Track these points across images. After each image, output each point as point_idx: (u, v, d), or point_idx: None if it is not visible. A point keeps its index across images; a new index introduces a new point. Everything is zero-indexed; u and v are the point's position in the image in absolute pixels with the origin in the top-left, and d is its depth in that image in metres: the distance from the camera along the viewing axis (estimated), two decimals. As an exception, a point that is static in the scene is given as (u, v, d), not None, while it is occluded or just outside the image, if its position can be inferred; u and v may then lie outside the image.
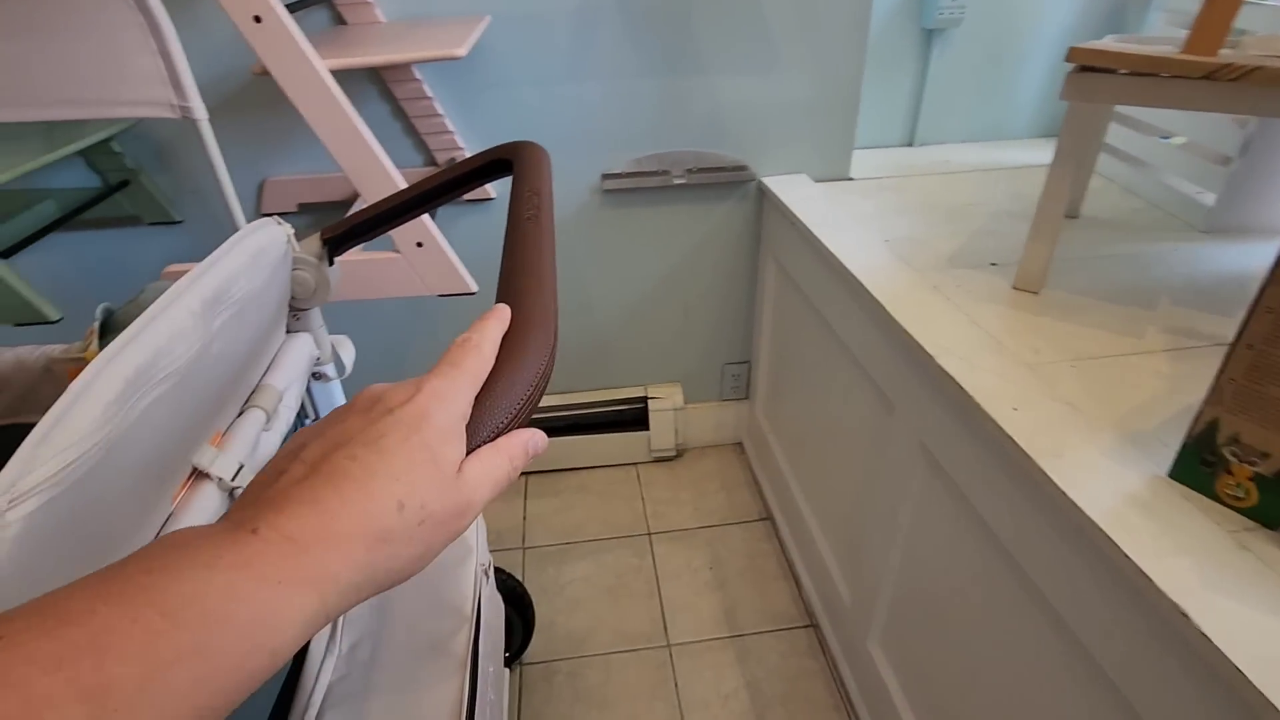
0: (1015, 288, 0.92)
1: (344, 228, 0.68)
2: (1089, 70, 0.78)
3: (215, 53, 1.09)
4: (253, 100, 1.15)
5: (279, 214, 1.30)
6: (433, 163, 1.26)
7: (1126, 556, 0.50)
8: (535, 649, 1.20)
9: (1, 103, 0.57)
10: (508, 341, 0.32)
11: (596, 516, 1.47)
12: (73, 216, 1.10)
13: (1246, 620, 0.46)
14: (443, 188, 0.65)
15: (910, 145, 1.57)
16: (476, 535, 0.84)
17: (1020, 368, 0.74)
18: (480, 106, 1.22)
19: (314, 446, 0.25)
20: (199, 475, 0.51)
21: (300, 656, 0.71)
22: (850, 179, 1.37)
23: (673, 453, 1.61)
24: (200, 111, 0.62)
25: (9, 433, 0.75)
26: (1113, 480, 0.58)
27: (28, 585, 0.33)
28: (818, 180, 1.34)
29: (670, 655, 1.19)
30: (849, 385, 1.04)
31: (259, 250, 0.57)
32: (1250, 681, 0.42)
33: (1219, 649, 0.44)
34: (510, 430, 0.30)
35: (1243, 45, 0.79)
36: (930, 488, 0.83)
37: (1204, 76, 0.70)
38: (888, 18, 1.38)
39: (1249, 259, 0.97)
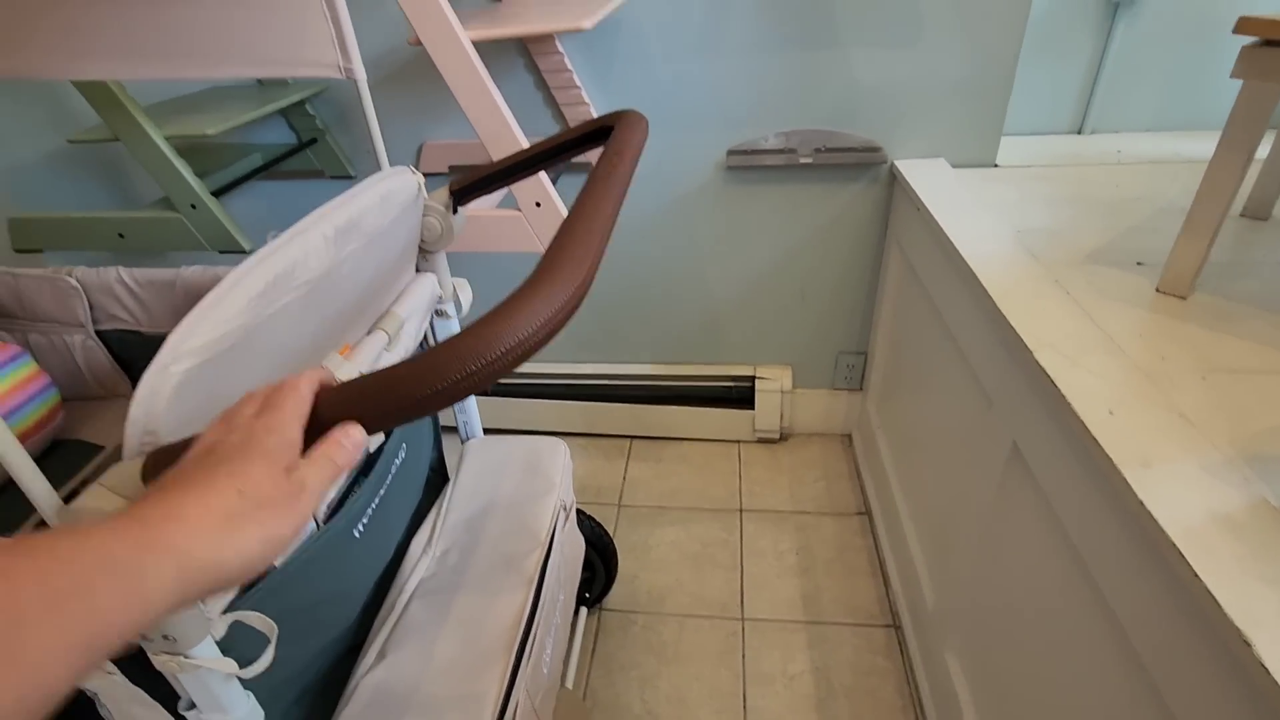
0: (1158, 290, 0.83)
1: (468, 180, 0.76)
2: (1272, 44, 0.69)
3: (389, 26, 1.24)
4: (416, 71, 1.29)
5: (433, 174, 1.45)
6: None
7: (1196, 575, 0.46)
8: (616, 598, 1.27)
9: (207, 61, 0.70)
10: (528, 288, 0.35)
11: (692, 486, 1.51)
12: (271, 166, 1.30)
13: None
14: (554, 150, 0.72)
15: (1079, 133, 1.43)
16: (562, 473, 0.91)
17: (1134, 372, 0.67)
18: (615, 79, 1.28)
19: (190, 452, 0.34)
20: (325, 377, 0.61)
21: (400, 552, 0.82)
22: (995, 166, 1.28)
23: (776, 435, 1.61)
24: (360, 74, 0.73)
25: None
26: (1207, 498, 0.52)
27: (175, 430, 0.43)
28: (957, 166, 1.26)
29: (743, 628, 1.21)
30: (954, 380, 1.00)
31: (389, 192, 0.66)
32: (1310, 722, 0.38)
33: (1283, 684, 0.40)
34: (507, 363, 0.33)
35: None
36: (1018, 492, 0.78)
37: None
38: (1057, -9, 1.27)
39: None
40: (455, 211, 0.78)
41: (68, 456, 0.89)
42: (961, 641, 0.96)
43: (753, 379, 1.57)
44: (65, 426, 0.92)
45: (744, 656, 1.17)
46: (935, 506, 1.08)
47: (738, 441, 1.63)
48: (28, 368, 0.87)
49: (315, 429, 0.34)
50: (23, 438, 0.84)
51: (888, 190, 1.34)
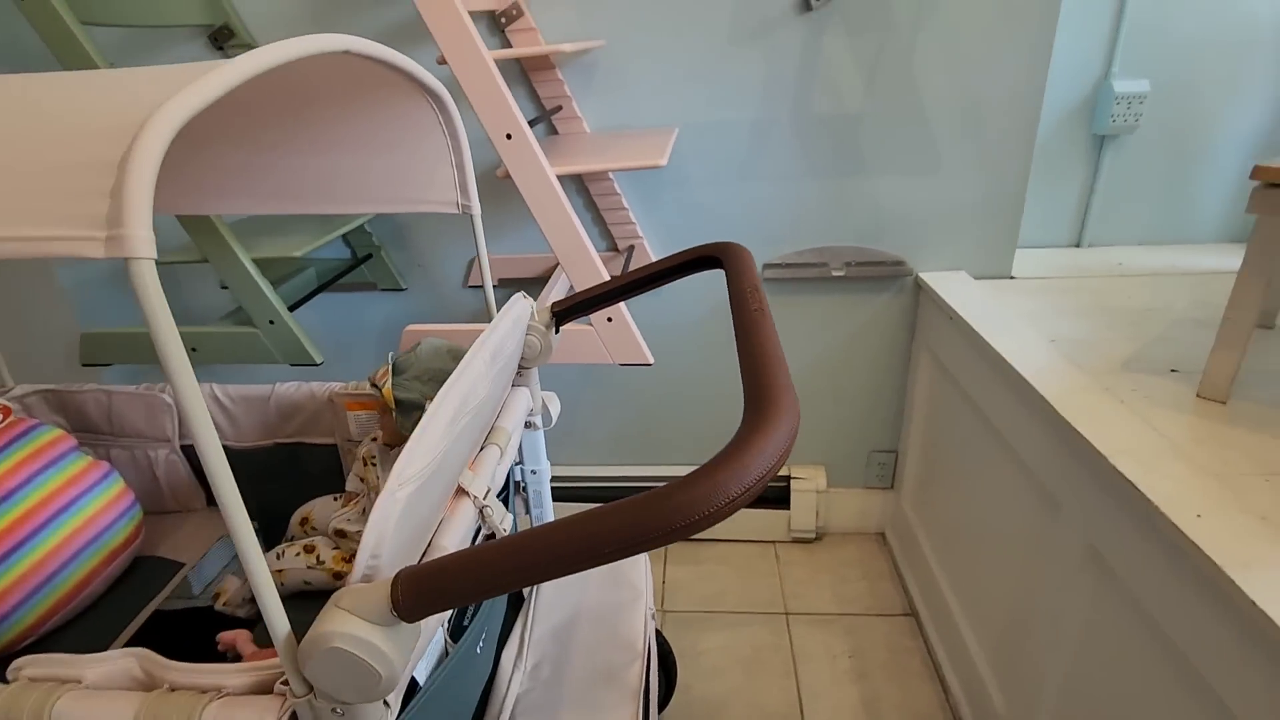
0: (1199, 395, 0.90)
1: (571, 302, 0.82)
2: (1268, 183, 0.79)
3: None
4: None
5: (477, 286, 1.50)
6: (614, 248, 1.43)
7: (1330, 673, 0.50)
8: (671, 712, 1.24)
9: (345, 201, 0.77)
10: (760, 416, 0.40)
11: (735, 589, 1.51)
12: (334, 281, 1.36)
13: None
14: (654, 277, 0.78)
15: (1078, 246, 1.56)
16: (645, 580, 0.92)
17: (1205, 476, 0.73)
18: (660, 202, 1.38)
19: None
20: (460, 492, 0.64)
21: (495, 667, 0.81)
22: (1012, 277, 1.39)
23: (812, 535, 1.62)
24: (476, 210, 0.80)
25: (299, 449, 0.95)
26: (1315, 598, 0.57)
27: (394, 552, 0.45)
28: (978, 277, 1.37)
29: (806, 739, 1.19)
30: (1008, 483, 1.04)
31: (517, 318, 0.72)
32: None
33: None
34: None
35: None
36: (1100, 594, 0.81)
37: None
38: (1056, 124, 1.43)
39: None
40: (556, 331, 0.84)
41: (149, 574, 0.89)
42: (1043, 748, 0.95)
43: (788, 479, 1.60)
44: (143, 542, 0.92)
45: (811, 771, 1.13)
46: (997, 607, 1.10)
47: (774, 542, 1.64)
48: (116, 486, 0.88)
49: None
50: (112, 556, 0.84)
51: (913, 299, 1.43)
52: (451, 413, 0.51)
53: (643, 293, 0.82)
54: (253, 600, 0.85)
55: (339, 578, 0.80)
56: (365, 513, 0.82)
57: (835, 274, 1.41)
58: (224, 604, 0.86)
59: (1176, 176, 1.47)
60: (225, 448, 0.93)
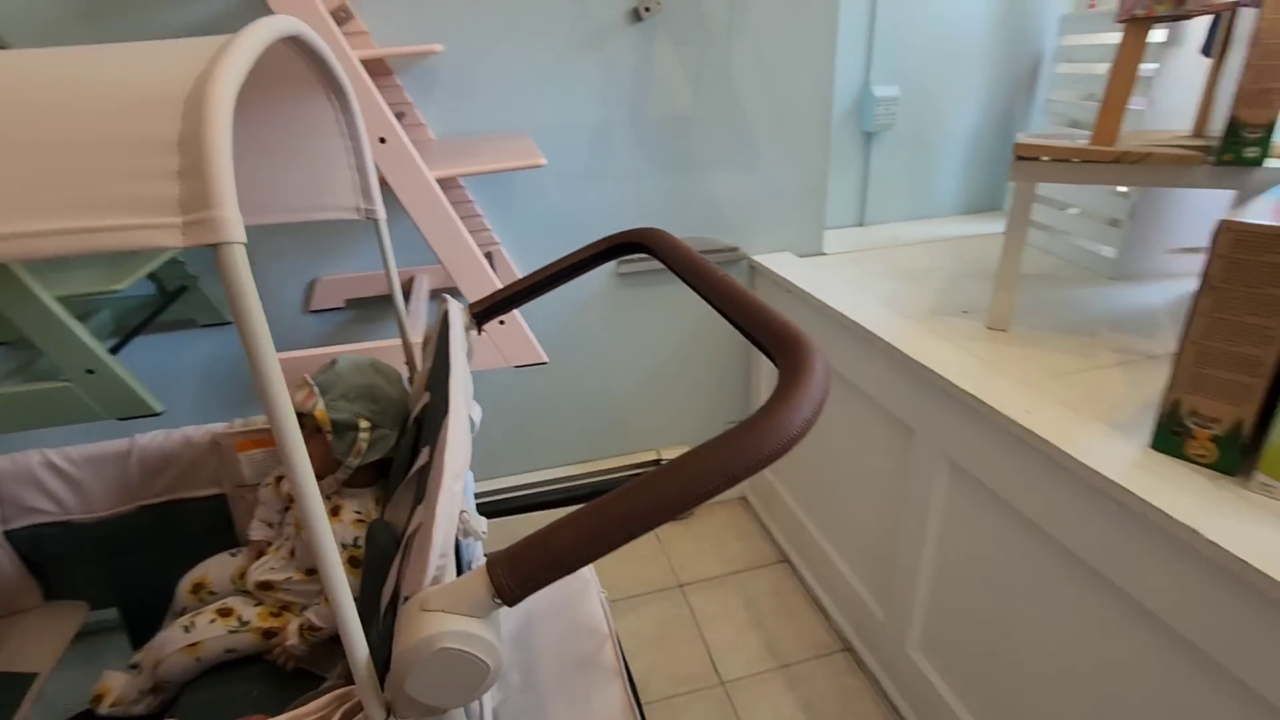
0: (989, 328, 1.14)
1: (490, 302, 0.81)
2: (1025, 159, 1.04)
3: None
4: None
5: (330, 309, 1.40)
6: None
7: (1146, 501, 0.69)
8: (598, 702, 1.25)
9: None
10: (798, 353, 0.45)
11: (628, 575, 1.56)
12: (150, 320, 1.16)
13: (1236, 530, 0.64)
14: (577, 266, 0.81)
15: (861, 225, 1.85)
16: (590, 569, 0.94)
17: (1018, 383, 0.94)
18: (512, 207, 1.39)
19: None
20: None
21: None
22: (824, 254, 1.61)
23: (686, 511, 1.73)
24: (381, 214, 0.76)
25: (170, 508, 0.81)
26: (1116, 454, 0.77)
27: (446, 551, 0.44)
28: (801, 256, 1.57)
29: (726, 692, 1.28)
30: (863, 422, 1.23)
31: (461, 322, 0.70)
32: (1254, 566, 0.60)
33: (1227, 550, 0.62)
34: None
35: (1122, 139, 1.08)
36: (956, 495, 1.00)
37: (1114, 160, 0.96)
38: (838, 123, 1.68)
39: (1149, 295, 1.25)
40: (479, 332, 0.82)
41: (-11, 696, 0.70)
42: (923, 635, 1.14)
43: (657, 461, 1.69)
44: (-37, 663, 0.73)
45: (738, 717, 1.23)
46: (864, 534, 1.28)
47: (653, 524, 1.71)
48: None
49: None
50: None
51: (750, 280, 1.60)
52: (464, 412, 0.50)
53: (561, 285, 0.84)
54: (153, 691, 0.72)
55: (270, 636, 0.71)
56: (294, 555, 0.73)
57: (682, 264, 1.52)
58: (112, 705, 0.71)
59: (923, 164, 1.81)
60: (64, 524, 0.78)
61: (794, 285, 1.38)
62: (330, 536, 0.39)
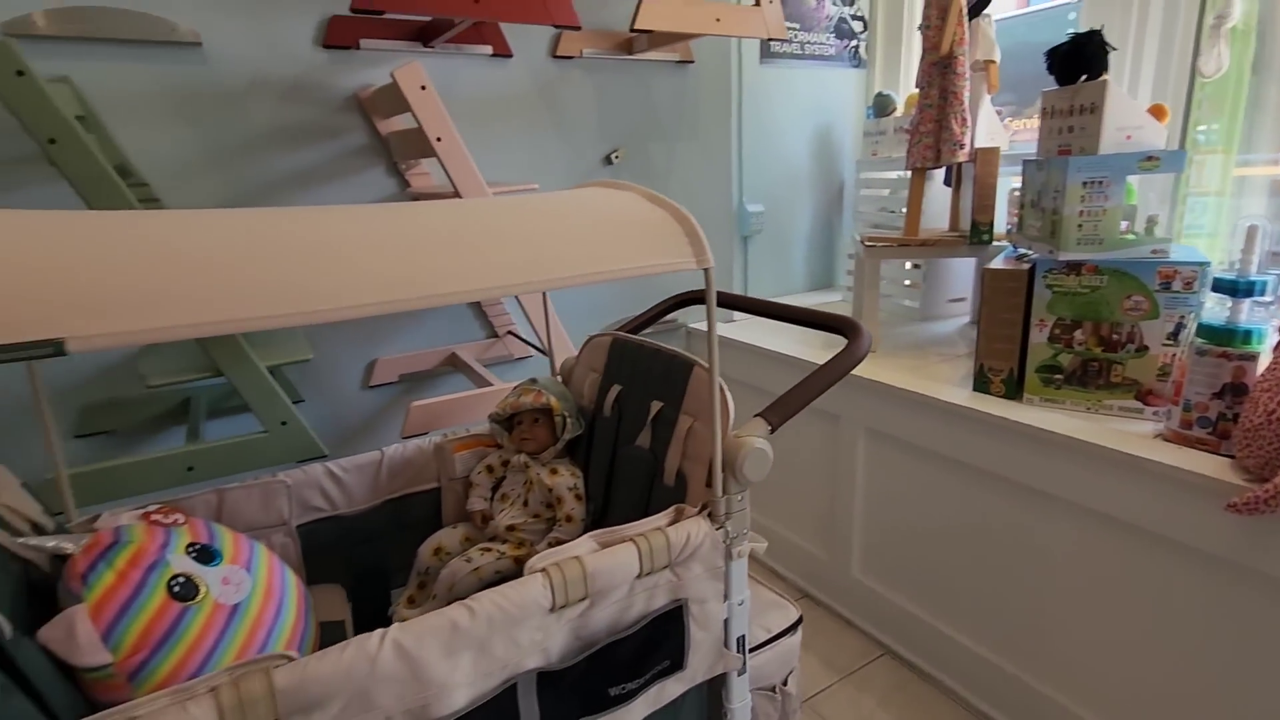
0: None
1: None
2: (871, 246, 1.74)
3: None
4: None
5: (384, 384, 1.73)
6: (493, 334, 1.81)
7: (979, 410, 1.31)
8: None
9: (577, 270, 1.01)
10: (854, 329, 1.00)
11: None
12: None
13: (1024, 415, 1.28)
14: (648, 322, 1.30)
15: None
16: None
17: (896, 373, 1.57)
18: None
19: None
20: (646, 442, 1.06)
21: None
22: (734, 320, 2.23)
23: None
24: (711, 262, 0.83)
25: (403, 501, 1.13)
26: (959, 396, 1.40)
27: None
28: (725, 322, 2.17)
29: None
30: (801, 423, 1.80)
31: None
32: (1035, 426, 1.23)
33: (1024, 424, 1.25)
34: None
35: (927, 233, 1.82)
36: (873, 448, 1.59)
37: (920, 244, 1.68)
38: (723, 225, 2.36)
39: (943, 327, 2.01)
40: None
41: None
42: (863, 558, 1.69)
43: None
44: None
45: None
46: (806, 504, 1.82)
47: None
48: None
49: None
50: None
51: (687, 340, 2.16)
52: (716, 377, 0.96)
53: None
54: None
55: (519, 562, 1.06)
56: (526, 505, 1.09)
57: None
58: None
59: (781, 255, 2.55)
60: (334, 518, 1.10)
61: (726, 338, 1.96)
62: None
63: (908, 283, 2.13)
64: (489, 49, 1.65)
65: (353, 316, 0.60)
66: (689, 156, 2.03)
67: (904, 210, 1.85)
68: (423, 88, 1.22)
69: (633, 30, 1.45)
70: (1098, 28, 1.27)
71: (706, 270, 0.82)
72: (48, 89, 0.96)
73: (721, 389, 0.87)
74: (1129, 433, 1.19)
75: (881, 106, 2.33)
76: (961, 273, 2.08)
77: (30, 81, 0.94)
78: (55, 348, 0.49)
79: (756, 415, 0.89)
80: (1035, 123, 2.32)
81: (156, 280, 0.55)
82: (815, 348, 1.82)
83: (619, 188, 0.93)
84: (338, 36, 1.48)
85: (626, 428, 1.07)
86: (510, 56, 1.69)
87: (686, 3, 1.49)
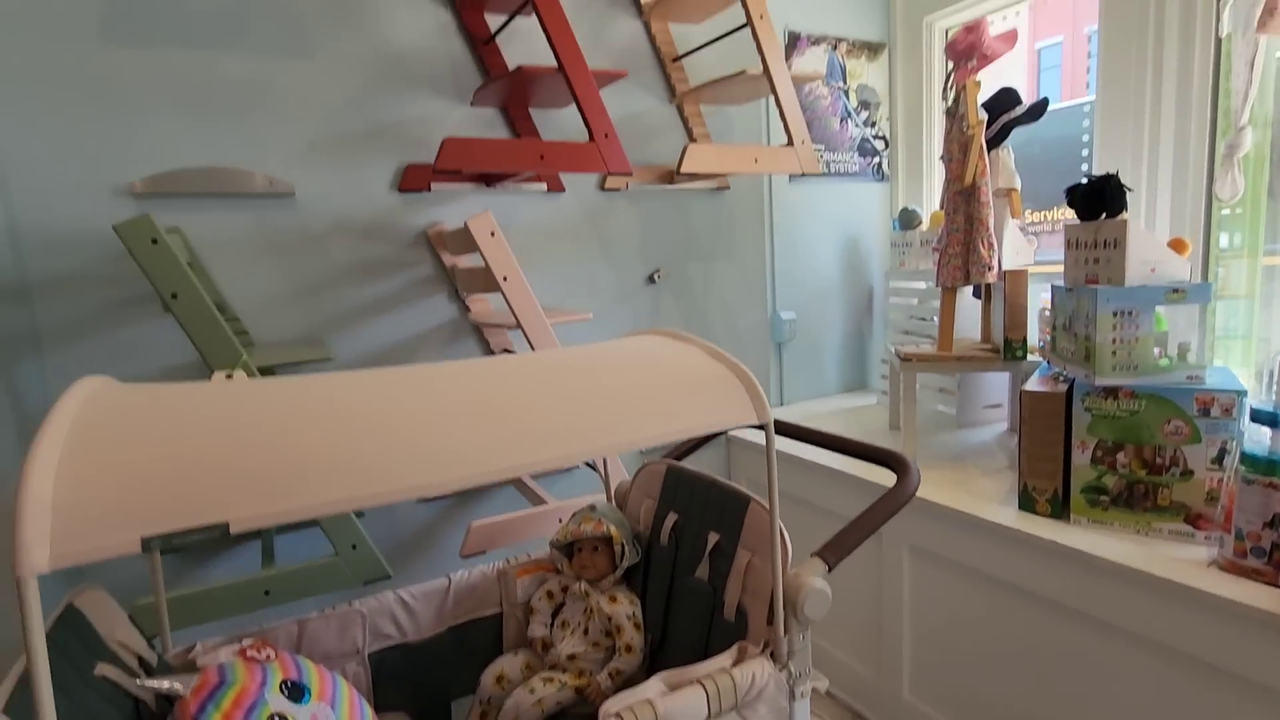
0: (905, 462, 1.82)
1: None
2: (907, 360, 1.80)
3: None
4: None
5: (439, 497, 1.79)
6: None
7: (1026, 533, 1.33)
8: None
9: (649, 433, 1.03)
10: (899, 459, 1.04)
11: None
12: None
13: (1072, 538, 1.29)
14: (692, 445, 1.36)
15: (782, 404, 2.57)
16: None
17: (939, 488, 1.59)
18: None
19: None
20: (703, 571, 1.10)
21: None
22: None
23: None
24: (770, 417, 0.94)
25: (467, 627, 1.17)
26: (1004, 514, 1.42)
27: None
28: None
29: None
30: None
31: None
32: (1086, 552, 1.24)
33: (1075, 549, 1.26)
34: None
35: (960, 344, 1.89)
36: (917, 565, 1.60)
37: (955, 359, 1.74)
38: (759, 334, 2.45)
39: (981, 434, 2.03)
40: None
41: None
42: (913, 681, 1.65)
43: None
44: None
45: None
46: (853, 618, 1.81)
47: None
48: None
49: None
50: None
51: (727, 450, 2.21)
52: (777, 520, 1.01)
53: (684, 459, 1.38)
54: None
55: (579, 691, 1.09)
56: (586, 633, 1.12)
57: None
58: None
59: (814, 361, 2.62)
60: (402, 647, 1.14)
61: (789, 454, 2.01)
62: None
63: (942, 389, 2.17)
64: (544, 186, 1.81)
65: (468, 486, 0.67)
66: (725, 271, 2.15)
67: (934, 319, 1.92)
68: (492, 234, 1.35)
69: (678, 174, 1.58)
70: (1113, 170, 1.37)
71: (765, 425, 0.88)
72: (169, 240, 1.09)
73: (780, 531, 0.92)
74: (1182, 559, 1.19)
75: (907, 220, 2.45)
76: (996, 380, 2.12)
77: (163, 248, 1.07)
78: (222, 531, 0.56)
79: (814, 555, 0.93)
80: (1048, 214, 2.42)
81: (302, 459, 0.63)
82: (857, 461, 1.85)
83: (680, 339, 1.02)
84: (412, 181, 1.64)
85: (684, 557, 1.12)
86: (563, 192, 1.85)
87: (726, 147, 1.63)
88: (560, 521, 1.49)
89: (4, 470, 1.33)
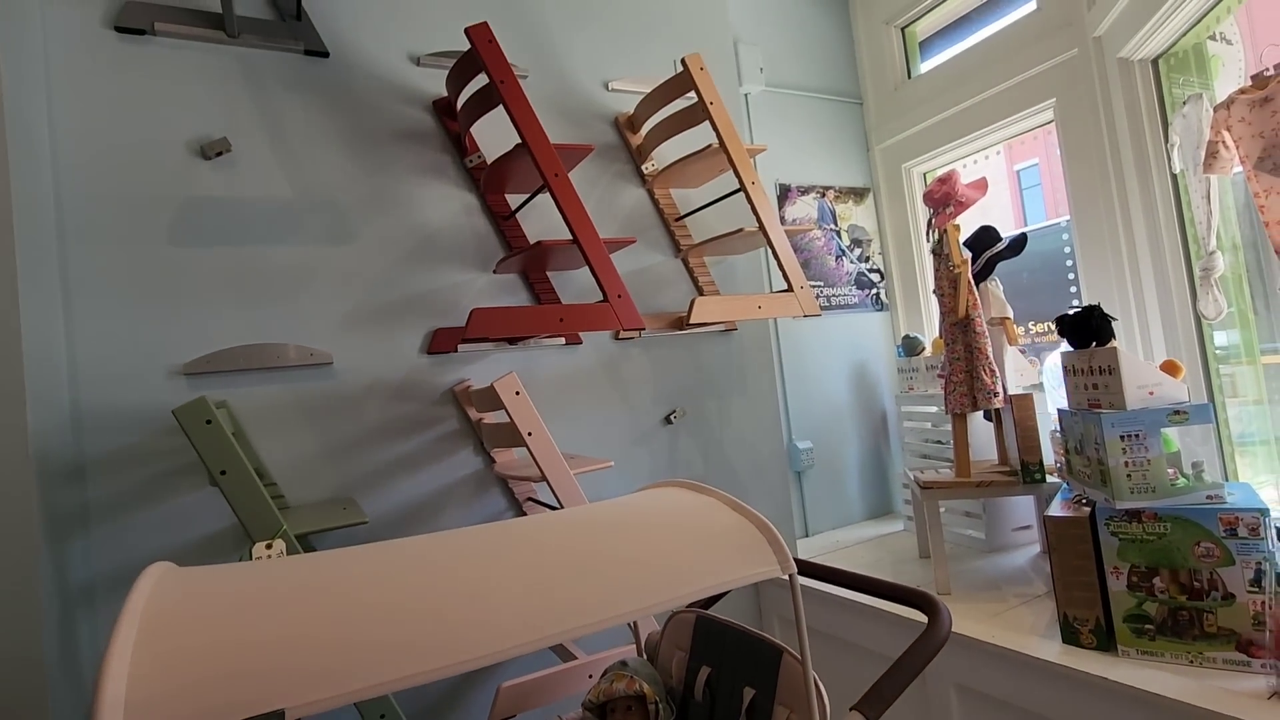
0: (938, 593, 1.78)
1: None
2: (928, 489, 1.81)
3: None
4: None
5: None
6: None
7: (1074, 669, 1.28)
8: None
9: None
10: (931, 602, 1.05)
11: None
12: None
13: (1124, 674, 1.24)
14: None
15: (807, 535, 2.54)
16: None
17: (978, 623, 1.55)
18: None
19: None
20: None
21: None
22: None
23: None
24: (794, 567, 0.96)
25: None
26: (1049, 648, 1.38)
27: None
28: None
29: None
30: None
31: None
32: (1139, 688, 1.19)
33: (1126, 685, 1.21)
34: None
35: (978, 466, 1.90)
36: (971, 708, 1.52)
37: (976, 485, 1.75)
38: (777, 464, 2.47)
39: (1013, 559, 1.99)
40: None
41: None
42: None
43: None
44: None
45: None
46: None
47: None
48: None
49: None
50: None
51: (756, 587, 2.16)
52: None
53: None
54: None
55: None
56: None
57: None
58: None
59: (835, 488, 2.62)
60: None
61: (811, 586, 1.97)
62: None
63: (968, 512, 2.16)
64: (562, 340, 1.92)
65: (509, 658, 0.70)
66: (739, 407, 2.21)
67: (949, 441, 1.94)
68: (516, 393, 1.44)
69: (687, 325, 1.69)
70: (1095, 303, 1.46)
71: (791, 576, 0.90)
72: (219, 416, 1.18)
73: (816, 684, 0.91)
74: (1238, 692, 1.15)
75: (910, 347, 2.55)
76: (1022, 501, 2.11)
77: (216, 428, 1.16)
78: (279, 717, 0.59)
79: (852, 709, 0.91)
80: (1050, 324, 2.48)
81: (351, 641, 0.66)
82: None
83: (699, 491, 1.06)
84: (440, 344, 1.76)
85: (720, 715, 1.09)
86: (580, 344, 1.96)
87: (731, 298, 1.75)
88: (590, 678, 1.46)
89: (48, 644, 1.35)
